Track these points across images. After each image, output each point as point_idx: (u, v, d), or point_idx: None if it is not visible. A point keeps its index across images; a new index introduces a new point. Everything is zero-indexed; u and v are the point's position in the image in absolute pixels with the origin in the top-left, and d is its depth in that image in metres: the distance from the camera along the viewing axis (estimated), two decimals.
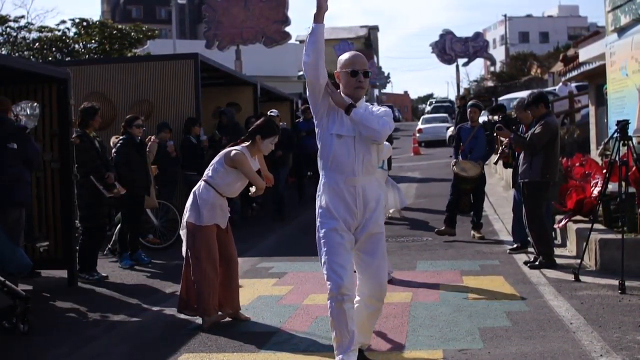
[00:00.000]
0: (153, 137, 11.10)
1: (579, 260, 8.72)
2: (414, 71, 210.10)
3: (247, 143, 6.97)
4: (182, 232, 7.12)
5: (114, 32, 32.28)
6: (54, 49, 31.51)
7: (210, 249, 6.92)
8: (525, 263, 9.34)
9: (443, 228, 11.62)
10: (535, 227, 9.11)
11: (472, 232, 11.64)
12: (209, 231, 6.95)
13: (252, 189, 7.01)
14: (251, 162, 6.93)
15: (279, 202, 14.83)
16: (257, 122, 7.15)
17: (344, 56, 5.22)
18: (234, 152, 6.88)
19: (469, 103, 12.54)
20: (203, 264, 6.88)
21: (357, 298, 5.25)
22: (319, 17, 4.98)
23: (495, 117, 11.55)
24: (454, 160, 11.70)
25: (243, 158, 6.82)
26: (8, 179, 7.50)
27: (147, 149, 10.75)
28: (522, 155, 9.34)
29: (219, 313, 7.11)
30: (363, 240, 5.12)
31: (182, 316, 7.33)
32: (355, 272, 5.19)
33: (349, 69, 5.13)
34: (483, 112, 15.40)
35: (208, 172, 7.01)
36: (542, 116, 9.12)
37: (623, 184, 8.23)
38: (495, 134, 9.87)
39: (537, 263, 9.13)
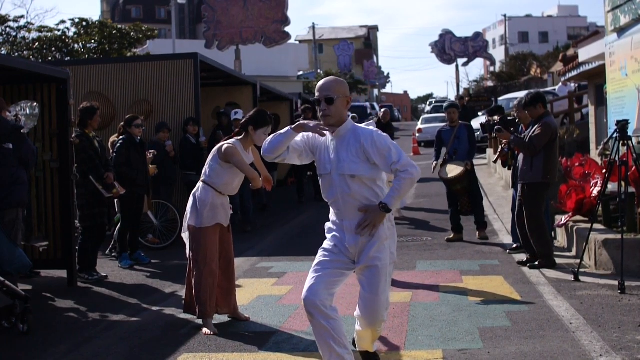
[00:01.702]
0: (153, 152, 11.06)
1: (578, 260, 8.73)
2: (413, 71, 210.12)
3: (241, 136, 6.95)
4: (184, 235, 7.09)
5: (114, 32, 32.29)
6: (53, 48, 31.51)
7: (210, 252, 6.89)
8: (523, 263, 9.29)
9: (452, 236, 11.51)
10: (535, 228, 9.08)
11: (477, 232, 11.56)
12: (210, 233, 6.91)
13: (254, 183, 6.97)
14: (244, 156, 6.88)
15: (244, 211, 13.71)
16: (249, 113, 7.11)
17: None
18: (225, 145, 6.86)
19: (445, 104, 12.37)
20: (202, 267, 6.86)
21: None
22: (298, 129, 4.90)
23: (496, 118, 11.47)
24: (434, 163, 11.56)
25: (234, 150, 6.78)
26: (4, 179, 7.49)
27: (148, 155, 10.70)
28: (520, 156, 9.30)
29: (217, 314, 7.11)
30: (359, 272, 5.00)
31: (182, 316, 7.33)
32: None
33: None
34: (481, 113, 15.41)
35: (205, 171, 7.00)
36: (540, 117, 9.08)
37: (623, 184, 8.24)
38: (495, 135, 9.80)
39: (536, 263, 9.10)
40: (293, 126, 4.92)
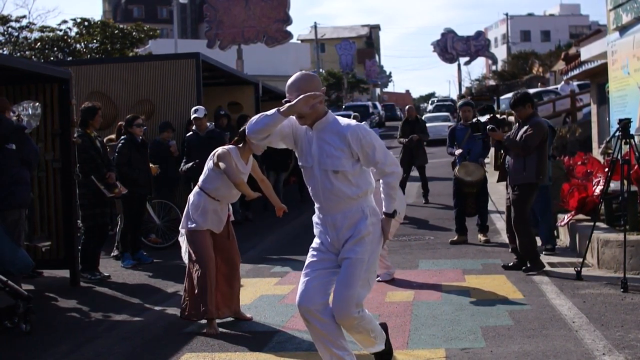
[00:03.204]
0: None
1: (581, 259, 8.71)
2: (415, 70, 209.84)
3: (240, 145, 6.83)
4: (181, 239, 7.05)
5: (116, 31, 32.33)
6: (55, 48, 31.56)
7: (205, 253, 6.83)
8: (504, 267, 9.15)
9: (455, 238, 11.31)
10: (522, 229, 8.86)
11: (479, 235, 11.40)
12: (202, 236, 6.86)
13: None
14: (239, 164, 6.77)
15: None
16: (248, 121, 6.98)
17: None
18: (220, 150, 6.80)
19: (460, 102, 12.27)
20: (199, 268, 6.80)
21: None
22: (285, 113, 4.59)
23: (483, 118, 11.32)
24: (458, 163, 11.30)
25: (226, 156, 6.70)
26: (6, 180, 7.48)
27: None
28: (508, 158, 9.11)
29: (218, 316, 7.01)
30: (340, 264, 4.91)
31: None
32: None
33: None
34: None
35: (201, 176, 6.97)
36: (529, 117, 8.95)
37: (625, 182, 8.22)
38: (484, 136, 9.58)
39: (524, 268, 8.91)
40: (281, 109, 4.60)
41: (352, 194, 4.74)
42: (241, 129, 6.88)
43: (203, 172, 6.95)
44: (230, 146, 6.86)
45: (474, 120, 10.98)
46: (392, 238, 11.14)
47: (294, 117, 4.75)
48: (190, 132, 12.04)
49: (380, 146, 4.73)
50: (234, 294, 7.15)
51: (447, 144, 11.75)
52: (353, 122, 4.81)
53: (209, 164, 6.90)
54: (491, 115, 11.00)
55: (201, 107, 11.70)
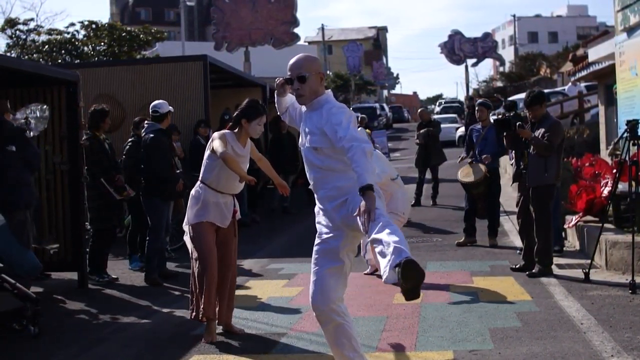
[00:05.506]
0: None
1: (589, 261, 8.68)
2: (422, 72, 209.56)
3: (235, 130, 6.62)
4: (186, 239, 6.87)
5: (123, 34, 32.41)
6: (63, 51, 31.66)
7: (205, 249, 6.58)
8: (517, 269, 9.10)
9: (462, 239, 11.23)
10: (545, 233, 8.76)
11: (488, 238, 11.23)
12: (201, 230, 6.60)
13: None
14: (235, 146, 6.53)
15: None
16: (241, 106, 6.71)
17: None
18: (216, 134, 6.62)
19: (477, 102, 12.23)
20: (199, 264, 6.59)
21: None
22: (281, 94, 5.23)
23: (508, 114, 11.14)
24: (461, 156, 11.35)
25: (219, 135, 6.52)
26: (9, 181, 7.49)
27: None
28: (520, 160, 9.02)
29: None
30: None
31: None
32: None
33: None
34: (491, 114, 15.19)
35: (201, 169, 6.76)
36: (543, 117, 8.90)
37: (633, 183, 8.20)
38: (511, 132, 9.25)
39: (534, 271, 8.91)
40: (276, 92, 5.19)
41: (336, 167, 4.73)
42: (235, 114, 6.77)
43: (203, 164, 6.72)
44: (226, 131, 6.67)
45: (500, 117, 10.52)
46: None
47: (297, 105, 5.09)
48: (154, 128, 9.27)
49: (349, 123, 4.57)
50: (224, 300, 6.78)
51: (464, 145, 11.69)
52: (338, 104, 4.80)
53: (206, 153, 6.69)
54: (513, 112, 10.78)
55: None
